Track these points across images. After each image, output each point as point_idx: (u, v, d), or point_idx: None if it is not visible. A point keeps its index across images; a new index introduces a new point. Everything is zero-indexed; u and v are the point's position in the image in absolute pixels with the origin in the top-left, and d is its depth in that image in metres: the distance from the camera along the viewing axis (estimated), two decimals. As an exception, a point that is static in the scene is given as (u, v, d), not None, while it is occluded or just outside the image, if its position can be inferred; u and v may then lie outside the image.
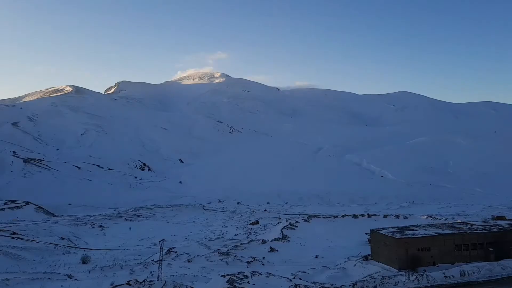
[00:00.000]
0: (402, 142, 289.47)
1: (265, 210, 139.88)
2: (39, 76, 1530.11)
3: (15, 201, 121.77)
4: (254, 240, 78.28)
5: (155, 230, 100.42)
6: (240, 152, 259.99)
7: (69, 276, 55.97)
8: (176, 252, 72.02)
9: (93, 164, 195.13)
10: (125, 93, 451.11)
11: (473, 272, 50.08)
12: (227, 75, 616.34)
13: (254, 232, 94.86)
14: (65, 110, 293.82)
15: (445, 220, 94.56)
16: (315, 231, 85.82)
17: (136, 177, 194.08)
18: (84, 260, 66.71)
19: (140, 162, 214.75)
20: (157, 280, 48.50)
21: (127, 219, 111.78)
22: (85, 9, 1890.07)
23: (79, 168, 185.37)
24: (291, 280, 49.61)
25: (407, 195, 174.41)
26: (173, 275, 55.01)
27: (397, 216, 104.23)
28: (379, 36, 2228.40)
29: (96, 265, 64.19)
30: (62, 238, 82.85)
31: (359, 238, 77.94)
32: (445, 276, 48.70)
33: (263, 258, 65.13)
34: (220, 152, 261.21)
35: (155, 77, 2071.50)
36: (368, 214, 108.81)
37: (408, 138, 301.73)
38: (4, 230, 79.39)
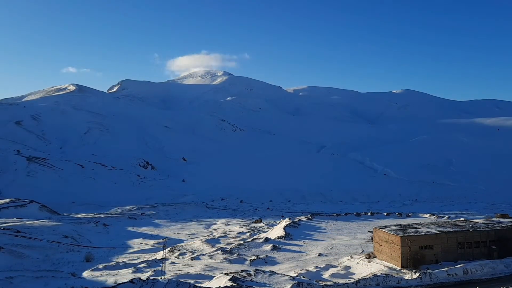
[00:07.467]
0: (405, 140, 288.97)
1: (268, 208, 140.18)
2: (42, 74, 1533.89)
3: (19, 199, 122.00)
4: (257, 238, 78.44)
5: (158, 228, 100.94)
6: (243, 151, 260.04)
7: (73, 274, 56.28)
8: (179, 250, 72.32)
9: (97, 163, 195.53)
10: (128, 91, 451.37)
11: (476, 270, 49.96)
12: (230, 74, 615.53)
13: (257, 230, 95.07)
14: (68, 109, 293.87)
15: (448, 218, 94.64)
16: (318, 229, 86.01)
17: (139, 176, 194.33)
18: (88, 259, 67.02)
19: (143, 161, 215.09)
20: (161, 278, 48.66)
21: (130, 218, 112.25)
22: (87, 7, 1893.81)
23: (82, 166, 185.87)
24: (294, 278, 49.70)
25: (410, 193, 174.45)
26: (176, 273, 55.22)
27: (400, 214, 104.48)
28: (382, 34, 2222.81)
29: (100, 263, 64.48)
30: (66, 237, 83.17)
31: (362, 236, 78.12)
32: (448, 274, 48.64)
33: (266, 256, 65.27)
34: (223, 150, 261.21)
35: (158, 76, 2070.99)
36: (371, 212, 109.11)
37: (411, 136, 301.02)
38: (8, 229, 79.77)
